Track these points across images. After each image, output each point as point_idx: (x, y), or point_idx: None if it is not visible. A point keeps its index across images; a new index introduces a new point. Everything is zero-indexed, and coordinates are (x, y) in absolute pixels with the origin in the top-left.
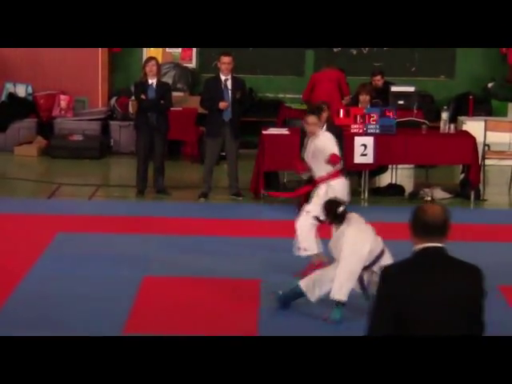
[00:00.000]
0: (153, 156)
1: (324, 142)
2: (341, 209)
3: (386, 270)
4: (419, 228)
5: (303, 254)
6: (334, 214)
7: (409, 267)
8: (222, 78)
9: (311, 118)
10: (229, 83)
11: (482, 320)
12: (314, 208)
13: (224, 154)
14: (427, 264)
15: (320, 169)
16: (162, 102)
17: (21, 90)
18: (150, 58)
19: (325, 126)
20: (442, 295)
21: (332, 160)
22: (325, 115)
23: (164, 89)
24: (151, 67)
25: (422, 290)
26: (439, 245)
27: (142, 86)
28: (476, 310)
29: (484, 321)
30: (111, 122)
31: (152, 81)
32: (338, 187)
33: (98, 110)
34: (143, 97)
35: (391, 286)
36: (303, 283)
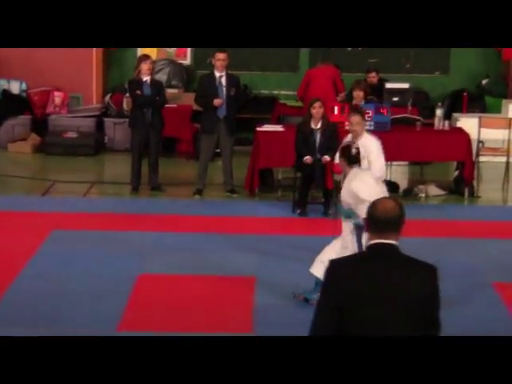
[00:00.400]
0: (148, 153)
1: (368, 147)
2: (354, 151)
3: (332, 263)
4: (371, 224)
5: None
6: (348, 156)
7: (356, 262)
8: (217, 74)
9: (355, 118)
10: (223, 80)
11: (437, 320)
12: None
13: (219, 150)
14: (375, 260)
15: None
16: (157, 98)
17: (15, 87)
18: (146, 57)
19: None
20: (387, 293)
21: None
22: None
23: (158, 86)
24: (149, 65)
25: (367, 286)
26: (390, 241)
27: (137, 83)
28: (430, 310)
29: (440, 321)
30: (106, 119)
31: (146, 78)
32: None
33: (93, 106)
34: (139, 92)
35: (336, 280)
36: (315, 271)
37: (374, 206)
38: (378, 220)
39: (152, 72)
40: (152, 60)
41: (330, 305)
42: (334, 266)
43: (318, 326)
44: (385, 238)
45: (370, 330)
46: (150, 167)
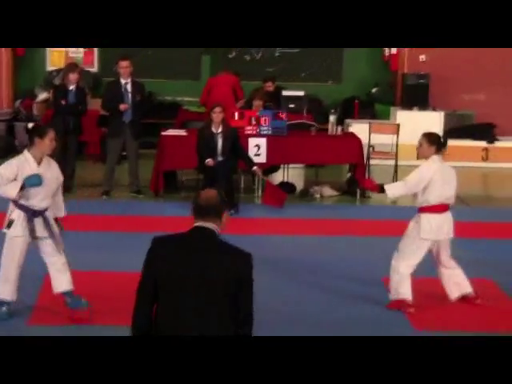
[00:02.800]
0: (66, 157)
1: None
2: (29, 125)
3: (153, 241)
4: (195, 209)
5: (396, 297)
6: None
7: (174, 242)
8: (122, 81)
9: (420, 139)
10: (129, 86)
11: (250, 315)
12: (409, 255)
13: (125, 153)
14: (192, 242)
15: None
16: (80, 107)
17: None
18: (75, 66)
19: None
20: (195, 274)
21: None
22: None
23: (82, 94)
24: (77, 76)
25: (178, 266)
26: (210, 226)
27: (63, 90)
28: (242, 300)
29: (253, 316)
30: (16, 123)
31: (72, 87)
32: (426, 224)
33: (3, 111)
34: (63, 102)
35: (152, 259)
36: None
37: (198, 194)
38: (201, 206)
39: (78, 81)
40: (80, 69)
41: (148, 283)
42: (153, 243)
43: (138, 310)
44: (205, 222)
45: (181, 314)
46: (67, 173)
